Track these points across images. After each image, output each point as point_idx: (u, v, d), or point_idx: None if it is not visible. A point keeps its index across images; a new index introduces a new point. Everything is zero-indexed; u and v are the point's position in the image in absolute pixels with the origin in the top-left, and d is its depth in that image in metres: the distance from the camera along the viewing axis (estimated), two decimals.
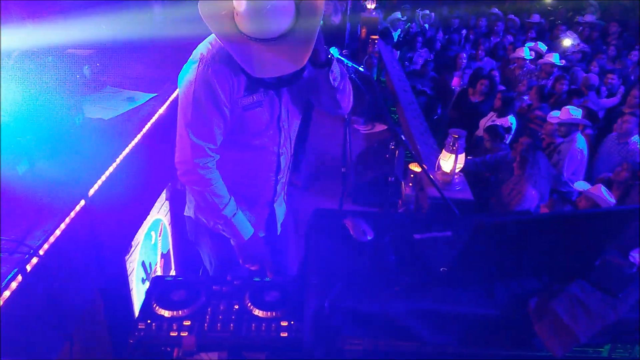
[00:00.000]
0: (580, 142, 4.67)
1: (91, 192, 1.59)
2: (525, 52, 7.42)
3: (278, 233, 2.16)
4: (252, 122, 1.79)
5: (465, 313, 1.34)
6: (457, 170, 2.81)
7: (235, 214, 1.86)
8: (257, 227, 2.06)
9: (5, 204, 1.48)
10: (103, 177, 1.67)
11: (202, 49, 1.70)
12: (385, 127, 4.87)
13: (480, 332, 1.36)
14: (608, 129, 5.22)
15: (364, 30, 8.21)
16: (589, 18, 10.69)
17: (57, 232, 1.39)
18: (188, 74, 1.67)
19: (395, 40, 8.33)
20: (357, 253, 1.54)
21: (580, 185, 4.04)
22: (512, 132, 5.36)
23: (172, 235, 2.73)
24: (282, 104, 1.83)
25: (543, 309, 1.34)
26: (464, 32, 9.66)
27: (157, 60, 2.82)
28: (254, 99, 1.76)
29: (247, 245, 1.91)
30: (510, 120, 5.41)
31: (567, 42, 9.11)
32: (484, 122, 5.58)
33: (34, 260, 1.29)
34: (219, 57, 1.66)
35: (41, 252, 1.31)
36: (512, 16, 10.64)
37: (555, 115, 4.84)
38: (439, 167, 2.86)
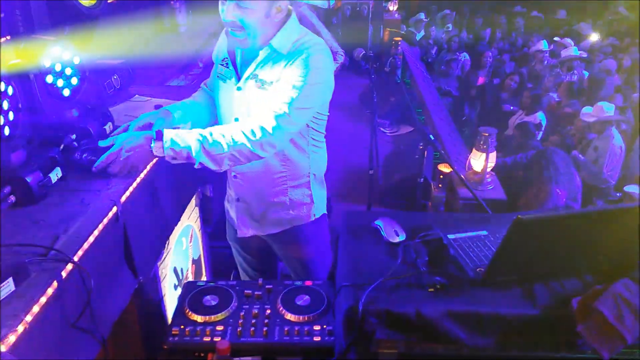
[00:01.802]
0: (617, 137, 4.55)
1: (123, 198, 1.61)
2: (543, 45, 7.28)
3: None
4: None
5: (504, 314, 1.30)
6: (488, 169, 2.76)
7: None
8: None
9: (38, 212, 1.51)
10: (134, 184, 1.69)
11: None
12: (412, 129, 4.82)
13: (521, 334, 1.31)
14: None
15: (386, 32, 8.17)
16: (620, 9, 10.43)
17: (91, 239, 1.41)
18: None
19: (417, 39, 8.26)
20: (388, 254, 1.51)
21: (631, 189, 3.90)
22: (543, 128, 5.26)
23: (203, 241, 2.74)
24: None
25: (587, 309, 1.28)
26: (488, 30, 9.53)
27: (182, 69, 2.85)
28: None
29: None
30: (540, 117, 5.31)
31: (594, 37, 8.90)
32: (513, 121, 5.48)
33: (69, 266, 1.30)
34: None
35: (75, 259, 1.32)
36: (536, 13, 10.46)
37: (588, 112, 4.73)
38: (470, 167, 2.81)
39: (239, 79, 1.85)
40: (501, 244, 1.27)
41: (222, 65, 1.90)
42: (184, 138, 1.62)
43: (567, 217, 1.34)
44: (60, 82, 1.86)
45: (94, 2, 2.19)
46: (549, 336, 1.32)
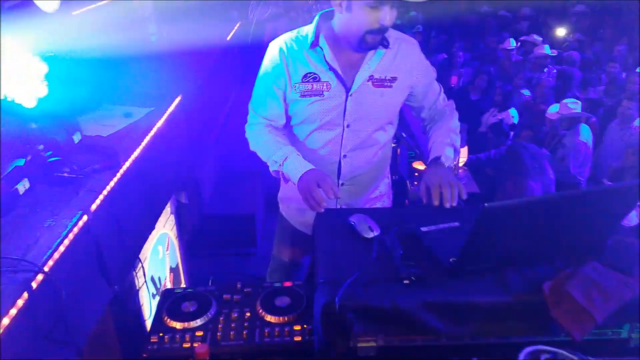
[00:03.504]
0: (584, 133, 4.63)
1: (93, 207, 1.59)
2: (511, 43, 7.43)
3: None
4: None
5: (479, 302, 1.32)
6: (460, 164, 2.80)
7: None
8: None
9: (6, 224, 1.48)
10: (104, 192, 1.67)
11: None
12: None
13: (496, 321, 1.33)
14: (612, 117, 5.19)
15: None
16: (579, 7, 10.68)
17: (62, 249, 1.39)
18: None
19: None
20: (364, 250, 1.52)
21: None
22: (515, 125, 5.35)
23: (180, 249, 2.72)
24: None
25: (558, 293, 1.31)
26: (455, 31, 9.66)
27: (153, 76, 2.83)
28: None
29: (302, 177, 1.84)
30: (512, 113, 5.40)
31: (560, 32, 9.11)
32: (487, 118, 5.57)
33: (39, 277, 1.28)
34: None
35: (46, 269, 1.30)
36: (504, 12, 10.65)
37: (554, 110, 4.83)
38: None
39: (347, 85, 1.85)
40: (470, 233, 1.29)
41: (306, 82, 1.85)
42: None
43: (533, 203, 1.37)
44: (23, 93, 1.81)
45: (56, 7, 2.16)
46: (523, 321, 1.34)
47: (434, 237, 1.54)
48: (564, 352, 1.10)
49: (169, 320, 1.70)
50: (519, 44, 7.76)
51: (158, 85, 2.65)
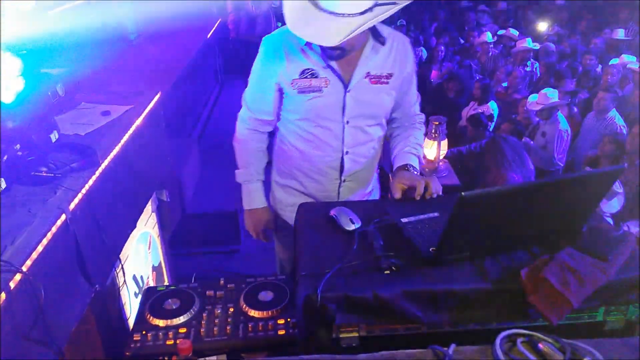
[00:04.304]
0: (563, 121, 4.73)
1: (72, 206, 1.57)
2: (487, 37, 7.52)
3: None
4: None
5: (458, 290, 1.34)
6: (441, 157, 2.83)
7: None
8: None
9: None
10: (83, 191, 1.65)
11: None
12: None
13: (475, 308, 1.35)
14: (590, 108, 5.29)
15: None
16: (559, 2, 10.83)
17: (40, 248, 1.37)
18: None
19: None
20: (345, 242, 1.54)
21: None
22: (495, 118, 5.42)
23: (162, 247, 2.71)
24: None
25: (535, 279, 1.34)
26: (434, 25, 9.74)
27: (132, 74, 2.81)
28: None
29: (247, 214, 2.11)
30: (492, 106, 5.47)
31: (542, 26, 9.22)
32: (466, 112, 5.63)
33: (17, 277, 1.27)
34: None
35: (24, 269, 1.29)
36: (484, 7, 10.75)
37: (534, 100, 4.90)
38: (424, 156, 2.87)
39: (345, 81, 1.85)
40: (448, 222, 1.30)
41: (304, 78, 1.84)
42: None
43: (509, 191, 1.39)
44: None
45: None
46: (502, 308, 1.36)
47: (413, 228, 1.55)
48: (540, 335, 1.12)
49: (151, 317, 1.70)
50: (495, 38, 7.85)
51: (137, 83, 2.63)
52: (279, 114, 1.97)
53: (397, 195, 1.78)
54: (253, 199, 2.07)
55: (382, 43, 1.84)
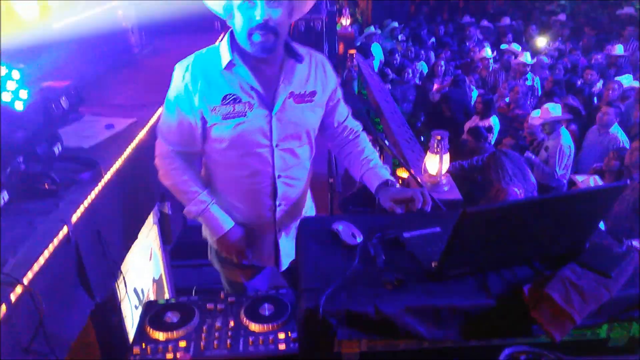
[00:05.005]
0: (566, 137, 4.74)
1: (74, 218, 1.58)
2: (486, 52, 7.57)
3: (282, 269, 2.10)
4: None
5: (460, 306, 1.33)
6: (443, 172, 2.83)
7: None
8: (264, 259, 2.07)
9: None
10: (85, 203, 1.65)
11: None
12: (371, 138, 4.89)
13: (477, 324, 1.34)
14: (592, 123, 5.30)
15: (341, 45, 8.33)
16: (561, 17, 10.93)
17: (41, 260, 1.37)
18: None
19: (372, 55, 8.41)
20: (347, 256, 1.53)
21: (579, 177, 4.11)
22: (494, 131, 5.44)
23: (163, 259, 2.70)
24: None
25: (538, 295, 1.33)
26: (432, 40, 9.83)
27: (135, 87, 2.83)
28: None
29: (223, 238, 1.95)
30: (493, 121, 5.49)
31: (541, 41, 9.29)
32: (468, 126, 5.65)
33: (19, 289, 1.26)
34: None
35: (25, 281, 1.28)
36: (486, 22, 10.84)
37: (537, 115, 4.92)
38: (425, 170, 2.87)
39: (269, 104, 1.80)
40: (450, 237, 1.30)
41: (227, 104, 1.76)
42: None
43: (512, 206, 1.39)
44: (7, 97, 1.78)
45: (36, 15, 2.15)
46: (504, 323, 1.35)
47: (416, 243, 1.55)
48: (543, 352, 1.12)
49: (151, 330, 1.69)
50: (494, 52, 7.91)
51: (141, 96, 2.65)
52: (203, 145, 1.88)
53: (399, 210, 1.78)
54: (221, 222, 1.92)
55: (300, 61, 1.82)
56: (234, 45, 1.76)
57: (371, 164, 1.98)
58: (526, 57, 7.01)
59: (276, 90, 1.79)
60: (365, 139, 2.08)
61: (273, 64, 1.79)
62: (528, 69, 6.94)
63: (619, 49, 7.60)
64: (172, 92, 1.81)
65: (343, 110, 2.03)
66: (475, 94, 6.58)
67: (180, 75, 1.78)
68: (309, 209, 2.16)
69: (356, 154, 2.03)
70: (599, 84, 6.63)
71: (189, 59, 1.80)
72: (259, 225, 2.00)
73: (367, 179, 1.97)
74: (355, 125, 2.08)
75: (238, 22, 1.68)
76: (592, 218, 1.47)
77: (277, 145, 1.84)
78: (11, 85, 1.72)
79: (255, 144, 1.82)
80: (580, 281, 1.35)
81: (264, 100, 1.79)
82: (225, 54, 1.75)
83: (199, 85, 1.75)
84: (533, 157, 4.77)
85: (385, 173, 1.95)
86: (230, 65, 1.74)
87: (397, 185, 1.92)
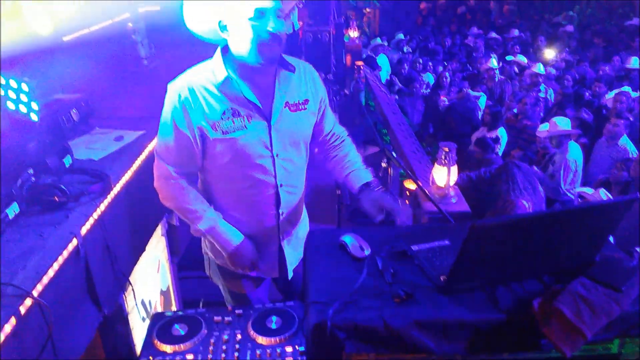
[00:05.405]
0: (573, 151, 4.68)
1: (83, 230, 1.58)
2: (491, 63, 7.56)
3: (289, 278, 2.10)
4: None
5: (470, 320, 1.32)
6: (451, 183, 2.82)
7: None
8: (267, 270, 2.06)
9: None
10: (95, 215, 1.66)
11: None
12: (378, 150, 4.90)
13: (487, 338, 1.33)
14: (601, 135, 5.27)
15: (348, 57, 8.36)
16: (568, 28, 10.93)
17: (51, 273, 1.38)
18: None
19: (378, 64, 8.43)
20: (355, 269, 1.53)
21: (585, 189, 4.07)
22: (501, 142, 5.42)
23: (171, 271, 2.70)
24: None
25: (548, 310, 1.32)
26: (440, 53, 9.85)
27: (144, 100, 2.85)
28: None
29: (235, 251, 1.92)
30: (500, 133, 5.47)
31: (549, 53, 9.28)
32: (476, 137, 5.63)
33: (28, 302, 1.27)
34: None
35: (35, 293, 1.29)
36: (494, 34, 10.86)
37: (544, 129, 4.89)
38: (433, 182, 2.87)
39: (267, 114, 1.80)
40: (460, 251, 1.29)
41: (226, 119, 1.76)
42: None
43: (521, 220, 1.38)
44: (22, 108, 1.80)
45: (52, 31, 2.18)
46: (513, 338, 1.34)
47: (424, 256, 1.54)
48: None
49: (159, 343, 1.68)
50: (500, 63, 7.90)
51: (149, 108, 2.67)
52: (203, 163, 1.86)
53: (379, 218, 1.83)
54: (231, 236, 1.91)
55: (292, 70, 1.85)
56: (227, 60, 1.78)
57: (355, 166, 2.02)
58: (539, 68, 6.99)
59: (272, 100, 1.82)
60: (350, 143, 2.11)
61: (268, 75, 1.82)
62: (541, 80, 6.92)
63: (634, 62, 7.52)
64: (167, 113, 1.78)
65: (331, 117, 2.06)
66: (483, 100, 6.57)
67: (176, 95, 1.76)
68: (304, 215, 2.18)
69: (341, 157, 2.06)
70: (607, 96, 6.60)
71: (183, 79, 1.80)
72: (262, 235, 2.00)
73: (349, 180, 2.00)
74: (342, 131, 2.12)
75: (245, 36, 1.70)
76: (602, 231, 1.46)
77: (277, 155, 1.86)
78: (22, 98, 1.74)
79: (257, 155, 1.83)
80: (591, 295, 1.34)
81: (262, 111, 1.81)
82: (219, 70, 1.76)
83: (197, 103, 1.74)
84: (538, 171, 4.74)
85: (367, 175, 1.98)
86: (226, 80, 1.76)
87: (380, 189, 1.94)
